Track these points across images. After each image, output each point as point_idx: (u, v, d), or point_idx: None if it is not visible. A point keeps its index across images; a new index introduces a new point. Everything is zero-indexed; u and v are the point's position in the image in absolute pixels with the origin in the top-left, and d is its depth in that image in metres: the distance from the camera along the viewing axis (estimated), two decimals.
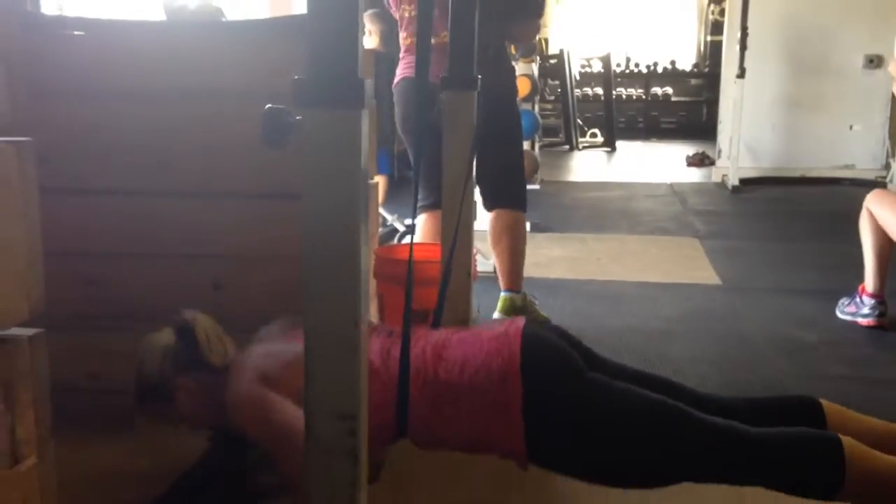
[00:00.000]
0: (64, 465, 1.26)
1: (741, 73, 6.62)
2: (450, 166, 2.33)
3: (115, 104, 2.30)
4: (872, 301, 3.27)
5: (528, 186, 6.51)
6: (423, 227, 3.24)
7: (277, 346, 1.78)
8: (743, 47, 6.58)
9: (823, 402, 1.81)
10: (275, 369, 1.70)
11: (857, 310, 3.32)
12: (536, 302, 3.39)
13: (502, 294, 3.26)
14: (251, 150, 2.22)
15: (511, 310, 3.19)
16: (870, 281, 3.28)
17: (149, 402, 1.83)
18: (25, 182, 1.15)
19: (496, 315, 3.22)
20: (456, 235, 2.14)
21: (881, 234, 3.21)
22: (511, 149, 3.23)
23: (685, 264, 4.40)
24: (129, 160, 2.31)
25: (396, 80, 3.25)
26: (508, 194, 3.21)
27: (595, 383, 1.66)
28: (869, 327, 3.25)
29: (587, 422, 1.62)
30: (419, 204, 3.14)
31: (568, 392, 1.63)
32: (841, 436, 1.63)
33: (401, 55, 3.26)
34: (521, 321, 1.74)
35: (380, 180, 5.11)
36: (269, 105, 1.21)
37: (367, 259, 1.27)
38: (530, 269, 4.23)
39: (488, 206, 3.24)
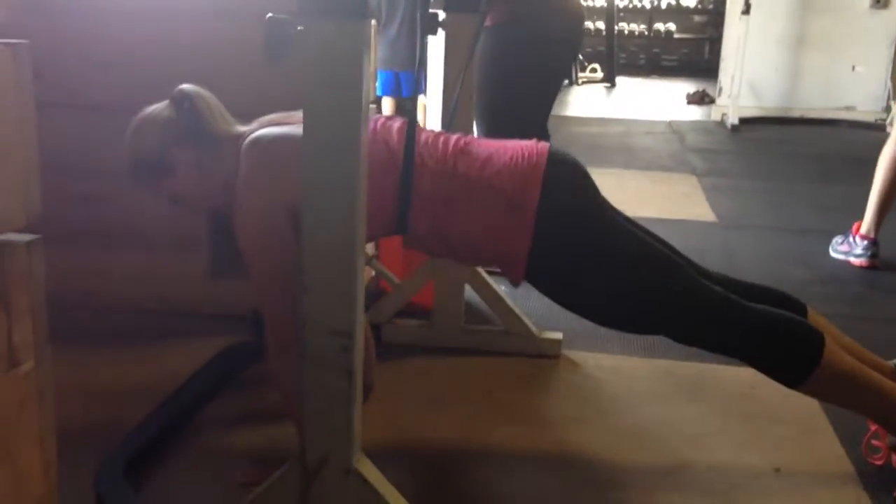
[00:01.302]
0: (60, 379, 1.27)
1: (746, 10, 6.52)
2: (448, 90, 2.30)
3: (112, 19, 2.26)
4: (865, 242, 3.28)
5: None
6: None
7: (287, 127, 1.66)
8: None
9: (809, 307, 1.83)
10: (286, 153, 1.58)
11: (850, 249, 3.33)
12: None
13: None
14: (251, 70, 2.20)
15: None
16: (867, 220, 3.28)
17: (146, 176, 1.70)
18: (22, 85, 1.13)
19: None
20: None
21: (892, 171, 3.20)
22: None
23: (681, 201, 4.40)
24: (126, 76, 2.28)
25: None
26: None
27: (610, 215, 1.68)
28: (861, 267, 3.27)
29: (594, 246, 1.62)
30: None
31: (582, 212, 1.63)
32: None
33: None
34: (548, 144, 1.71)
35: (388, 102, 5.11)
36: (271, 14, 1.18)
37: (366, 178, 1.27)
38: None
39: None
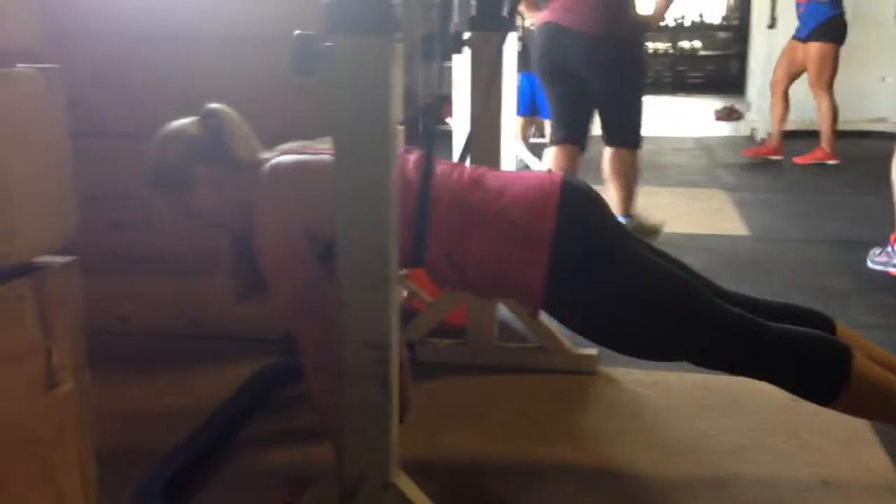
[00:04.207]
0: (96, 402, 1.27)
1: (772, 24, 6.50)
2: (474, 108, 2.30)
3: (140, 47, 2.29)
4: None
5: None
6: (552, 159, 3.67)
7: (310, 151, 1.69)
8: None
9: (836, 321, 1.80)
10: (311, 163, 1.62)
11: (889, 259, 3.28)
12: (642, 215, 3.86)
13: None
14: (280, 93, 2.22)
15: None
16: None
17: (164, 188, 1.71)
18: (55, 109, 1.14)
19: None
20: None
21: None
22: (636, 95, 3.61)
23: (713, 216, 4.37)
24: (155, 103, 2.30)
25: (541, 21, 3.57)
26: (628, 135, 3.63)
27: (626, 243, 1.65)
28: None
29: (609, 275, 1.60)
30: (551, 138, 3.74)
31: (598, 240, 1.62)
32: (851, 345, 1.63)
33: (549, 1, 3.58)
34: (561, 174, 1.71)
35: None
36: (298, 31, 1.19)
37: (397, 192, 1.27)
38: None
39: (608, 141, 3.68)
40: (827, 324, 1.78)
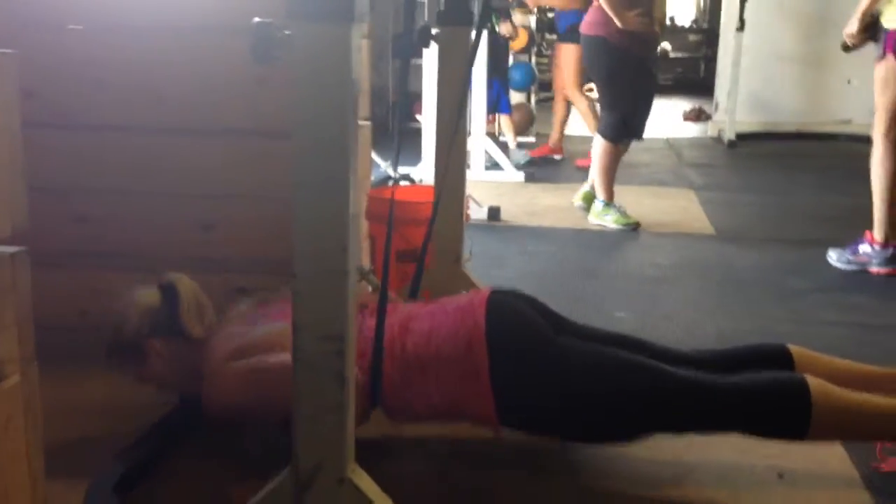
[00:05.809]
0: (53, 398, 1.25)
1: (741, 26, 6.56)
2: (442, 103, 2.29)
3: (104, 37, 2.25)
4: (889, 250, 3.26)
5: (523, 139, 6.54)
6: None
7: (248, 328, 1.79)
8: None
9: (790, 346, 1.83)
10: (248, 347, 1.71)
11: (870, 259, 3.29)
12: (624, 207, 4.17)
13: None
14: (243, 88, 2.20)
15: (589, 199, 4.28)
16: (879, 229, 3.27)
17: (119, 356, 1.83)
18: (5, 92, 1.12)
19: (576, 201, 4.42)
20: (445, 177, 2.12)
21: (891, 174, 3.21)
22: (606, 91, 4.17)
23: (680, 214, 4.39)
24: (119, 96, 2.27)
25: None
26: (602, 125, 4.22)
27: (561, 345, 1.68)
28: (879, 275, 3.25)
29: (554, 383, 1.64)
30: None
31: (533, 354, 1.65)
32: (807, 376, 1.66)
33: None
34: (486, 291, 1.76)
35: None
36: (258, 19, 1.18)
37: (357, 187, 1.26)
38: (522, 218, 4.23)
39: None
40: (782, 354, 1.81)
